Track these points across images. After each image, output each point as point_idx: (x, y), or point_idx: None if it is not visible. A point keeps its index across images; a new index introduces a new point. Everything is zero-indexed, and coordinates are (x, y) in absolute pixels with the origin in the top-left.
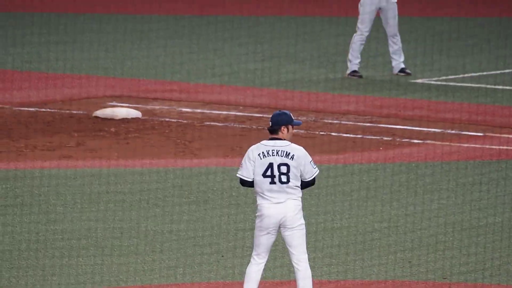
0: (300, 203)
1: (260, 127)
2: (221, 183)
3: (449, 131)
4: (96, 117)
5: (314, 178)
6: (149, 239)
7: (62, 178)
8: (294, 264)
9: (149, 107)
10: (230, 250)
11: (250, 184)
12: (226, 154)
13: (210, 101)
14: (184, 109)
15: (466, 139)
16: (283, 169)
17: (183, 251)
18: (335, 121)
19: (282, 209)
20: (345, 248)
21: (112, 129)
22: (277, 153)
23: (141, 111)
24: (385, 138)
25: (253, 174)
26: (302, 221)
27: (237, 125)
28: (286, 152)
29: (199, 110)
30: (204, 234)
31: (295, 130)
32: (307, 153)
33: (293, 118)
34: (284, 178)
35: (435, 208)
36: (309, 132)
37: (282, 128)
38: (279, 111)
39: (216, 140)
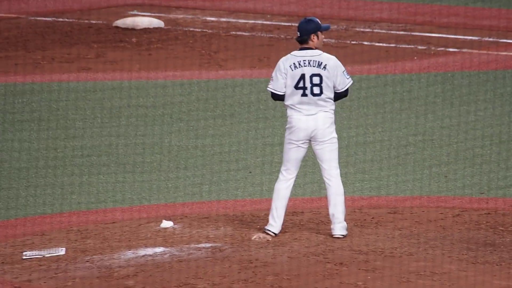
0: (332, 116)
1: (288, 37)
2: (248, 96)
3: (486, 38)
4: (117, 27)
5: (347, 89)
6: (173, 155)
7: (81, 91)
8: (325, 179)
9: (172, 16)
10: (258, 166)
11: (282, 97)
12: (253, 65)
13: (236, 9)
14: (208, 18)
15: (504, 47)
16: (316, 80)
17: (209, 168)
18: (367, 30)
19: (313, 122)
20: (378, 163)
21: (134, 40)
22: (309, 63)
23: (163, 21)
24: (420, 47)
25: (285, 86)
26: (334, 135)
27: (265, 35)
28: (319, 62)
29: (224, 19)
30: (231, 150)
31: (325, 39)
32: (340, 62)
33: (320, 23)
34: (316, 90)
35: (472, 120)
36: (340, 41)
37: (312, 36)
38: (305, 18)
39: (242, 51)
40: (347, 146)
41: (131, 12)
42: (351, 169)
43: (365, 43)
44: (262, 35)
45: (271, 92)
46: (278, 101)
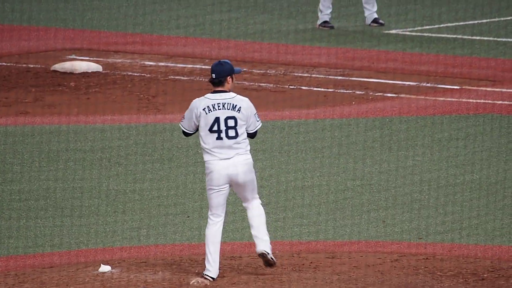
0: (250, 157)
1: None
2: (186, 140)
3: (424, 84)
4: (55, 71)
5: (256, 131)
6: (111, 199)
7: (19, 135)
8: (245, 206)
9: (110, 60)
10: (196, 210)
11: (191, 134)
12: None
13: (174, 54)
14: (147, 63)
15: (442, 93)
16: (231, 122)
17: (147, 212)
18: (306, 74)
19: (232, 167)
20: (317, 208)
21: (72, 84)
22: (223, 106)
23: (102, 65)
24: (358, 92)
25: (196, 128)
26: (253, 174)
27: (203, 79)
28: (233, 104)
29: (163, 64)
30: (169, 194)
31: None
32: (252, 104)
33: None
34: (231, 133)
35: (410, 165)
36: (278, 86)
37: (228, 78)
38: (219, 61)
39: (181, 95)
40: (285, 191)
41: (69, 57)
42: (289, 214)
43: (304, 87)
44: (201, 79)
45: (182, 129)
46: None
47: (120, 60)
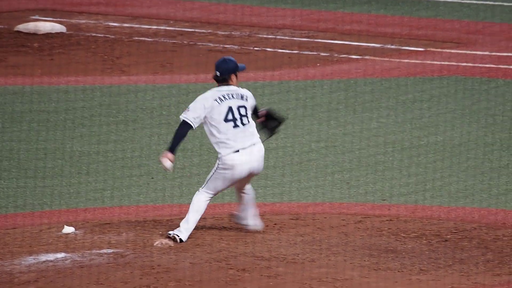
0: (263, 146)
1: (191, 43)
2: (150, 102)
3: (389, 46)
4: (18, 31)
5: None
6: (75, 160)
7: None
8: (240, 192)
9: (74, 21)
10: (160, 172)
11: (187, 131)
12: (156, 71)
13: (139, 15)
14: (111, 24)
15: (407, 55)
16: (242, 111)
17: (111, 173)
18: (270, 36)
19: (254, 161)
20: (281, 169)
21: (35, 45)
22: (232, 96)
23: (65, 26)
24: (323, 54)
25: (201, 120)
26: None
27: (168, 40)
28: (240, 94)
29: (127, 25)
30: (133, 155)
31: (228, 45)
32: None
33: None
34: (245, 120)
35: (374, 127)
36: (243, 47)
37: (232, 75)
38: (223, 58)
39: (145, 56)
40: None
41: (33, 17)
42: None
43: (268, 49)
44: (165, 40)
45: (184, 120)
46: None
47: (84, 21)
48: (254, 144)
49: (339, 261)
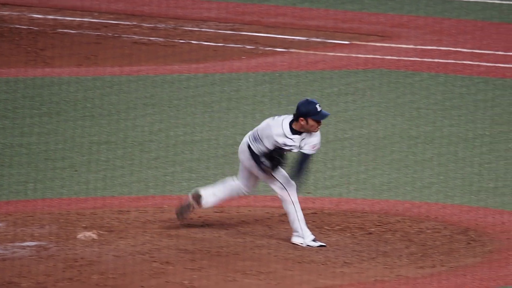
0: (246, 140)
1: (116, 35)
2: (74, 94)
3: (314, 39)
4: None
5: None
6: None
7: None
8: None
9: None
10: (84, 164)
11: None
12: (80, 63)
13: (63, 6)
14: (35, 15)
15: (332, 48)
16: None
17: (34, 166)
18: (196, 29)
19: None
20: (206, 162)
21: None
22: None
23: None
24: (248, 47)
25: None
26: (250, 158)
27: (92, 32)
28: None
29: (51, 17)
30: (57, 148)
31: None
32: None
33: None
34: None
35: None
36: (168, 40)
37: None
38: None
39: (69, 48)
40: (174, 145)
41: None
42: (178, 168)
43: (193, 42)
44: (90, 33)
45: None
46: (105, 99)
47: (7, 13)
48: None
49: (263, 254)
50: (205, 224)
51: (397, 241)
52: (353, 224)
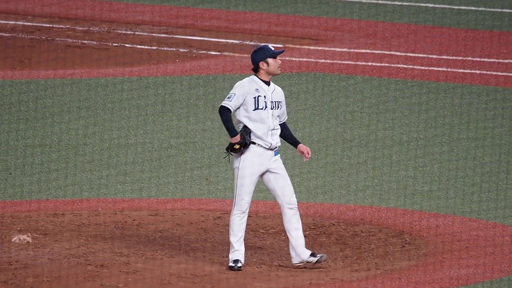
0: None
1: (50, 38)
2: (8, 97)
3: (248, 42)
4: None
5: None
6: None
7: None
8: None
9: None
10: (18, 168)
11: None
12: (14, 67)
13: None
14: None
15: None
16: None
17: None
18: (129, 32)
19: None
20: (140, 165)
21: None
22: None
23: None
24: (182, 50)
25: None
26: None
27: (26, 36)
28: None
29: None
30: None
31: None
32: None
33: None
34: None
35: None
36: (101, 43)
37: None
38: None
39: (3, 52)
40: (108, 148)
41: None
42: (113, 171)
43: (127, 45)
44: (23, 36)
45: None
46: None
47: None
48: None
49: (198, 257)
50: (140, 227)
51: (332, 244)
52: None
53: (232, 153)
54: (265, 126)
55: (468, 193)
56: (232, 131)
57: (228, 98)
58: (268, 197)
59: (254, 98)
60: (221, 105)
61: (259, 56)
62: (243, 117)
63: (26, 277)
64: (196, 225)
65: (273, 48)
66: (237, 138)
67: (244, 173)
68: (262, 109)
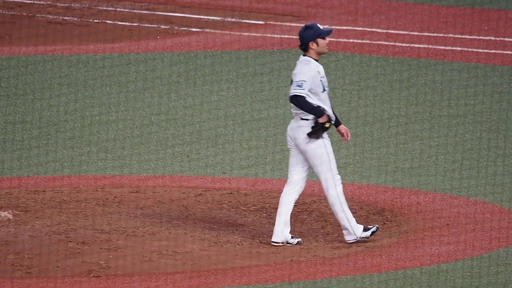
0: (306, 124)
1: (30, 14)
2: None
3: (229, 19)
4: None
5: (295, 99)
6: None
7: None
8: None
9: None
10: None
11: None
12: None
13: None
14: None
15: (247, 28)
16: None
17: None
18: (110, 8)
19: (290, 128)
20: (121, 142)
21: None
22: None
23: None
24: (163, 27)
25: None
26: (311, 146)
27: (6, 12)
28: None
29: None
30: None
31: (67, 17)
32: (302, 70)
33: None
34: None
35: (215, 100)
36: (82, 20)
37: (310, 44)
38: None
39: None
40: (89, 125)
41: None
42: (94, 148)
43: (108, 21)
44: (4, 12)
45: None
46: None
47: None
48: (297, 116)
49: (180, 234)
50: (121, 204)
51: (313, 222)
52: (268, 204)
53: (314, 135)
54: (329, 105)
55: (449, 170)
56: (319, 111)
57: (299, 86)
58: (249, 174)
59: (321, 80)
60: (295, 94)
61: (309, 35)
62: (316, 100)
63: (7, 254)
64: (178, 202)
65: (322, 28)
66: (325, 117)
67: (330, 148)
68: (326, 90)
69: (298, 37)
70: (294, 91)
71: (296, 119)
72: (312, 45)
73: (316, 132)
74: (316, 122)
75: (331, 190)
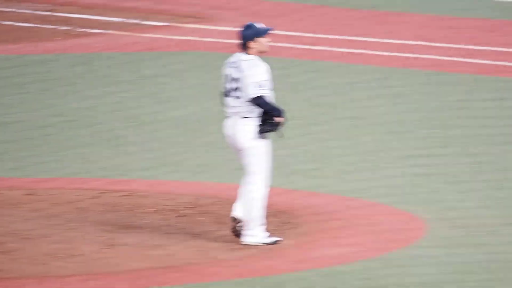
0: (251, 123)
1: None
2: None
3: (130, 20)
4: None
5: (256, 101)
6: None
7: None
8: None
9: None
10: None
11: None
12: None
13: None
14: None
15: (148, 29)
16: (234, 84)
17: None
18: (9, 9)
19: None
20: (18, 144)
21: None
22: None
23: None
24: (63, 28)
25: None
26: (253, 143)
27: None
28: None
29: None
30: None
31: None
32: (258, 71)
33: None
34: (236, 93)
35: (115, 101)
36: None
37: (248, 43)
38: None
39: None
40: None
41: None
42: None
43: (6, 22)
44: None
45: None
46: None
47: None
48: (234, 115)
49: (75, 237)
50: (16, 207)
51: (210, 224)
52: (165, 206)
53: (266, 133)
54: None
55: (346, 172)
56: (279, 111)
57: (260, 86)
58: (147, 176)
59: (270, 79)
60: (259, 96)
61: (248, 34)
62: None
63: None
64: (74, 204)
65: (260, 26)
66: (283, 118)
67: (268, 149)
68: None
69: (238, 36)
70: (258, 91)
71: (235, 118)
72: (253, 44)
73: (270, 131)
74: (268, 121)
75: (259, 188)
